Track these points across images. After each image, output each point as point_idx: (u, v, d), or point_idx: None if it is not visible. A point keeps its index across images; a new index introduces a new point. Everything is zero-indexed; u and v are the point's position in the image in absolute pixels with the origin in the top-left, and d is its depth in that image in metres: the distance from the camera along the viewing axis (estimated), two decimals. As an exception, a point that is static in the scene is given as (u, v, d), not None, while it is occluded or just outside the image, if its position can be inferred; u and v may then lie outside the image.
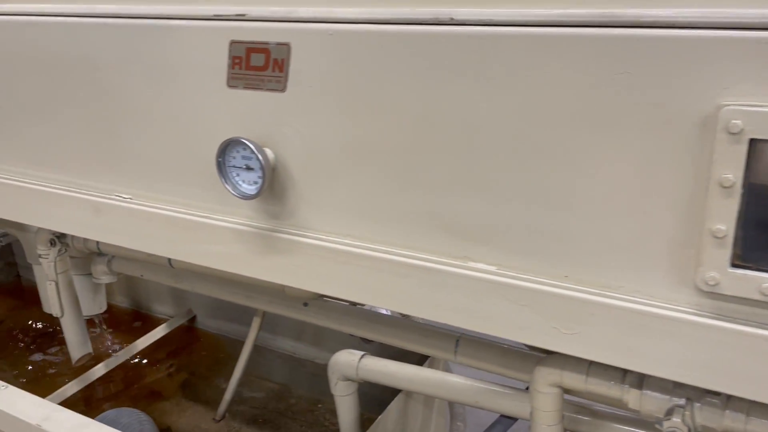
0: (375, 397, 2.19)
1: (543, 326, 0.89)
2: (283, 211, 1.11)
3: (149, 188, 1.28)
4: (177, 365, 2.35)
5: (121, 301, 2.68)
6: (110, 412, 1.69)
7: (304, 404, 2.25)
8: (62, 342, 2.53)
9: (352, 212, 1.04)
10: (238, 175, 1.07)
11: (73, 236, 1.77)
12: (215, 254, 1.21)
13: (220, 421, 2.08)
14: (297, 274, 1.11)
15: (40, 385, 2.25)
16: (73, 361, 2.06)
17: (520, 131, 0.84)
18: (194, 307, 2.50)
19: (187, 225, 1.23)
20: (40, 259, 1.87)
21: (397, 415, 1.65)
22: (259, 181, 1.05)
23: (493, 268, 0.93)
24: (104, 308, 2.23)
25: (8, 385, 1.48)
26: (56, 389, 2.19)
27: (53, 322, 2.64)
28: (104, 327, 2.48)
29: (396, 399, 1.62)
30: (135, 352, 2.20)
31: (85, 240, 1.75)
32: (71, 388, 1.96)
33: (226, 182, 1.08)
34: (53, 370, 2.36)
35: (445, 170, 0.91)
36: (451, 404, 2.14)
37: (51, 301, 1.80)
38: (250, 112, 1.07)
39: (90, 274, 2.11)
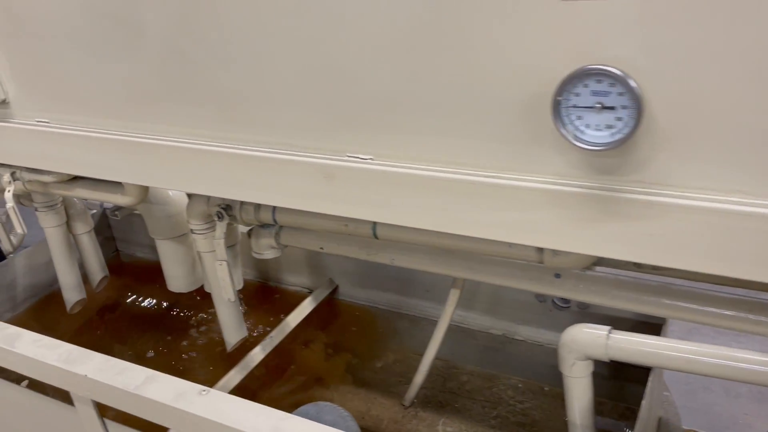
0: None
1: None
2: (624, 164, 0.87)
3: (400, 145, 1.05)
4: (333, 344, 2.17)
5: (245, 273, 2.50)
6: (309, 408, 1.52)
7: (479, 381, 2.06)
8: (186, 323, 2.37)
9: (754, 158, 0.80)
10: (579, 118, 0.83)
11: (241, 206, 1.56)
12: (511, 224, 0.98)
13: (409, 407, 1.91)
14: (649, 246, 0.88)
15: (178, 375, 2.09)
16: (229, 347, 1.90)
17: None
18: (335, 276, 2.31)
19: (465, 189, 1.00)
20: (195, 235, 1.68)
21: (650, 394, 1.45)
22: (618, 124, 0.81)
23: None
24: (241, 284, 2.05)
25: (209, 389, 1.30)
26: (196, 378, 2.04)
27: (172, 301, 2.48)
28: (242, 305, 2.31)
29: (651, 378, 1.41)
30: (288, 332, 2.02)
31: (257, 210, 1.54)
32: (235, 377, 1.80)
33: (564, 128, 0.84)
34: (186, 356, 2.21)
35: None
36: (654, 373, 1.93)
37: (222, 284, 1.61)
38: (592, 30, 0.82)
39: (230, 246, 1.92)
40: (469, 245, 1.30)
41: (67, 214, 2.11)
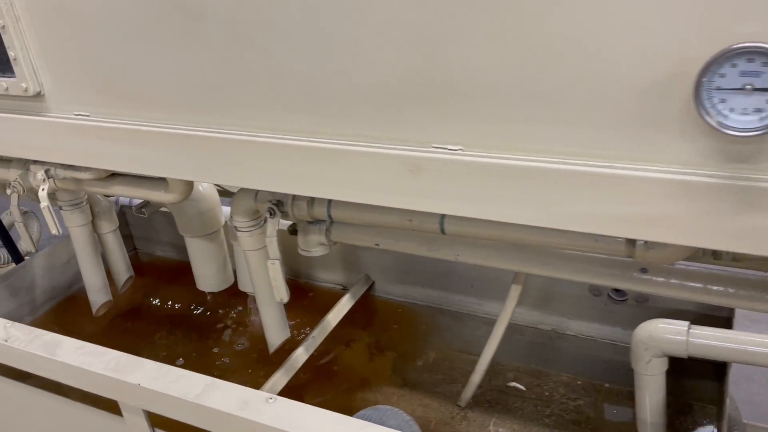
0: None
1: None
2: (761, 151, 0.81)
3: (493, 134, 0.98)
4: (374, 343, 2.11)
5: (273, 271, 2.42)
6: (370, 412, 1.46)
7: (526, 378, 2.01)
8: (216, 324, 2.29)
9: None
10: (723, 101, 0.76)
11: (293, 201, 1.48)
12: (626, 218, 0.92)
13: (464, 408, 1.85)
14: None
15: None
16: (271, 349, 1.83)
17: None
18: (370, 272, 2.24)
19: (571, 180, 0.94)
20: (240, 233, 1.60)
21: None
22: (773, 108, 0.74)
23: None
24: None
25: (276, 396, 1.24)
26: (234, 382, 1.98)
27: (199, 301, 2.40)
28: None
29: (731, 373, 1.36)
30: (329, 331, 1.96)
31: (311, 205, 1.47)
32: (281, 379, 1.73)
33: (706, 113, 0.77)
34: (221, 361, 2.13)
35: None
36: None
37: (275, 283, 1.53)
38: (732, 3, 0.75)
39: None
40: (548, 239, 1.24)
41: (92, 212, 2.02)
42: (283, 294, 1.54)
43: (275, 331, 1.79)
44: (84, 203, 1.95)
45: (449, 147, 1.02)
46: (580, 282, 1.43)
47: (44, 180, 1.53)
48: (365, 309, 2.19)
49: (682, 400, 1.86)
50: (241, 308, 2.34)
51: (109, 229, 2.09)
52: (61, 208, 1.94)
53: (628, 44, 0.83)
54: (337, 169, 1.12)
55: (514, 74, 0.92)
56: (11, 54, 1.36)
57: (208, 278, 2.11)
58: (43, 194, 1.53)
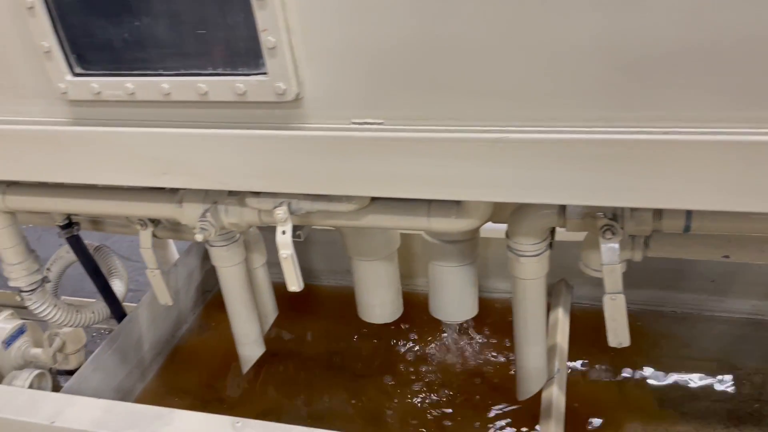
0: None
1: None
2: None
3: None
4: (611, 367, 1.78)
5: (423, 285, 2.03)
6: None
7: (778, 383, 1.74)
8: (399, 364, 1.89)
9: None
10: None
11: (632, 212, 1.13)
12: None
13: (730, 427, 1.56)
14: None
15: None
16: (524, 397, 1.49)
17: None
18: (566, 274, 1.89)
19: None
20: (522, 258, 1.25)
21: None
22: None
23: None
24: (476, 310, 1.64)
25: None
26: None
27: (346, 335, 1.99)
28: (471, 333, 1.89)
29: None
30: (566, 359, 1.61)
31: (659, 214, 1.12)
32: (556, 433, 1.38)
33: None
34: (431, 414, 1.74)
35: None
36: None
37: (612, 325, 1.17)
38: None
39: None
40: None
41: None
42: (624, 337, 1.18)
43: (534, 377, 1.44)
44: (239, 235, 1.51)
45: None
46: None
47: (286, 219, 1.09)
48: (572, 321, 1.86)
49: None
50: (404, 340, 1.95)
51: (260, 262, 1.65)
52: (210, 244, 1.49)
53: None
54: None
55: None
56: (269, 40, 0.92)
57: (383, 307, 1.71)
58: (285, 240, 1.09)
